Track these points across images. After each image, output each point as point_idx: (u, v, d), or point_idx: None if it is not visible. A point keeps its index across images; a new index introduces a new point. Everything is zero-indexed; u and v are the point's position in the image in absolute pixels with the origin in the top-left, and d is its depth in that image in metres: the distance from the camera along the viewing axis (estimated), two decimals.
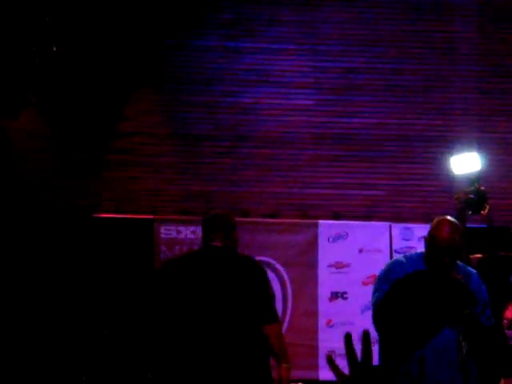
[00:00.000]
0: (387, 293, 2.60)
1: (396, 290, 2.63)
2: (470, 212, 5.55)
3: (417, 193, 9.40)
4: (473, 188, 5.64)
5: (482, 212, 5.52)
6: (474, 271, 4.95)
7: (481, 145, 8.24)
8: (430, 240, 4.87)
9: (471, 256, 5.88)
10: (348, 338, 2.27)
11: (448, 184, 9.33)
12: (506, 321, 5.04)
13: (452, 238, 4.82)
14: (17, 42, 6.15)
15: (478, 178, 5.64)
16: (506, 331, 5.01)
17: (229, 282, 5.09)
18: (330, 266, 9.12)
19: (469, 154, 5.97)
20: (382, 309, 2.55)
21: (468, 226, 9.07)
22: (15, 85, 6.43)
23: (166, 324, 5.13)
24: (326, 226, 9.22)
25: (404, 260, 4.98)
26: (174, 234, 9.13)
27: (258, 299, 5.12)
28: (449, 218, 4.99)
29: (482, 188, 5.62)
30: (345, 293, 8.95)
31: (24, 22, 6.13)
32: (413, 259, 4.93)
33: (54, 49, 7.23)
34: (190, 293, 5.06)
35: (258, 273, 5.21)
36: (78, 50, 9.15)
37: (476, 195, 5.56)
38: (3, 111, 6.85)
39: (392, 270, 4.86)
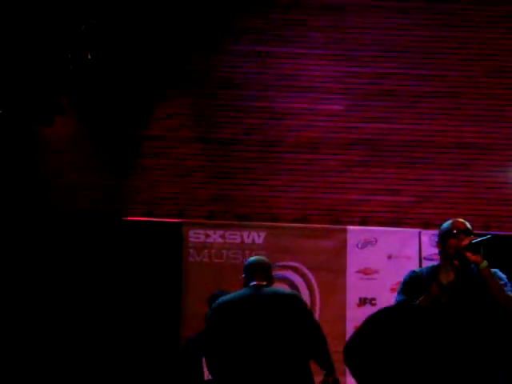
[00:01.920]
0: (359, 329, 2.40)
1: (370, 327, 2.39)
2: None
3: (447, 199, 9.34)
4: None
5: None
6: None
7: None
8: (441, 236, 4.97)
9: None
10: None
11: (478, 190, 9.30)
12: None
13: (461, 221, 4.95)
14: (52, 50, 6.21)
15: None
16: None
17: (278, 317, 5.81)
18: (359, 271, 9.09)
19: None
20: (353, 348, 2.40)
21: (497, 233, 9.06)
22: (49, 92, 6.48)
23: (223, 356, 5.78)
24: (355, 232, 9.19)
25: (418, 271, 5.10)
26: (202, 238, 9.14)
27: (309, 331, 5.91)
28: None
29: None
30: (373, 299, 8.91)
31: (59, 30, 6.19)
32: (428, 269, 5.04)
33: (89, 56, 7.29)
34: (246, 331, 5.77)
35: (303, 306, 5.98)
36: (111, 57, 9.21)
37: None
38: (38, 118, 6.91)
39: (407, 281, 4.98)
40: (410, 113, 9.49)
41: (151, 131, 9.44)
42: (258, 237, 9.15)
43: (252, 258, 6.40)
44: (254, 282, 5.98)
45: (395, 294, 5.07)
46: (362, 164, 9.45)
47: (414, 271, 5.14)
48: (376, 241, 9.17)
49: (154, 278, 9.01)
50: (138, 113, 9.42)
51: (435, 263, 5.13)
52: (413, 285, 4.94)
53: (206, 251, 9.12)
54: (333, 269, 9.10)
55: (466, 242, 4.83)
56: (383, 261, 9.10)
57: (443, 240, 4.97)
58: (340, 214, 9.36)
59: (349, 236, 9.18)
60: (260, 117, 9.51)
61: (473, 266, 4.91)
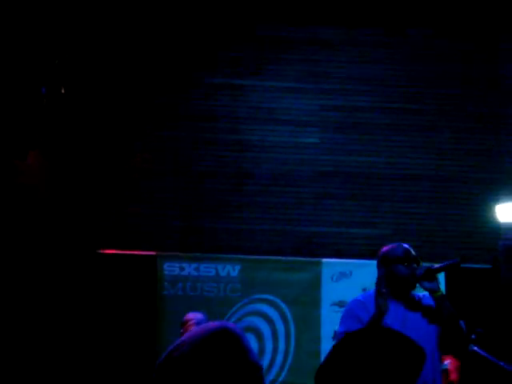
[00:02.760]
0: (328, 356, 2.43)
1: (338, 353, 2.43)
2: None
3: (421, 232, 9.38)
4: None
5: None
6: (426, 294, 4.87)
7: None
8: (387, 261, 4.84)
9: None
10: None
11: (452, 223, 9.35)
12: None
13: (407, 247, 4.82)
14: (26, 84, 6.21)
15: None
16: None
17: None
18: (334, 304, 9.08)
19: None
20: (323, 374, 2.41)
21: (473, 266, 9.10)
22: (23, 126, 6.49)
23: None
24: (330, 265, 9.19)
25: (361, 298, 4.95)
26: (177, 271, 9.11)
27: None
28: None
29: None
30: None
31: (33, 65, 6.19)
32: (371, 296, 4.87)
33: (63, 90, 7.29)
34: None
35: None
36: (85, 91, 9.20)
37: None
38: (11, 152, 6.90)
39: (353, 309, 4.85)
40: (384, 146, 9.54)
41: (125, 164, 9.42)
42: (232, 269, 9.13)
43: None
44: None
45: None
46: (337, 196, 9.47)
47: (356, 299, 4.98)
48: (351, 273, 9.17)
49: (128, 311, 8.95)
50: (113, 146, 9.41)
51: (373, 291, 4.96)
52: (358, 312, 4.81)
53: (180, 284, 9.09)
54: (308, 302, 9.09)
55: (420, 270, 4.73)
56: (358, 293, 9.07)
57: (390, 265, 4.81)
58: (315, 246, 9.36)
59: (323, 268, 9.18)
60: (234, 149, 9.53)
61: (419, 294, 4.85)
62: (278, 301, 9.11)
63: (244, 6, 9.53)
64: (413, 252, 4.86)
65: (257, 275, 9.10)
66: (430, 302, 4.79)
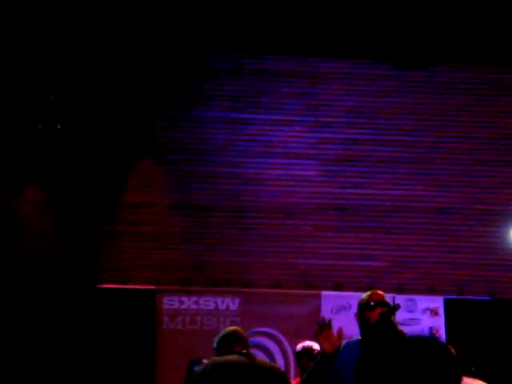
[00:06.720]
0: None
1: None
2: None
3: (420, 264, 9.37)
4: None
5: None
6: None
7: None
8: (360, 307, 4.91)
9: None
10: None
11: (451, 255, 9.34)
12: None
13: (379, 294, 4.84)
14: (22, 121, 6.25)
15: None
16: None
17: None
18: None
19: None
20: None
21: (472, 298, 9.10)
22: (19, 162, 6.53)
23: None
24: (329, 297, 9.18)
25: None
26: (176, 305, 9.10)
27: None
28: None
29: None
30: None
31: (29, 101, 6.23)
32: (350, 345, 4.90)
33: (59, 126, 7.33)
34: None
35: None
36: (81, 125, 9.23)
37: None
38: (7, 188, 6.93)
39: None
40: (383, 178, 9.55)
41: (124, 198, 9.43)
42: (232, 303, 9.12)
43: (230, 328, 6.22)
44: (240, 351, 5.79)
45: None
46: (336, 229, 9.48)
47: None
48: (350, 306, 9.15)
49: (127, 346, 8.93)
50: (110, 180, 9.42)
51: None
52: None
53: (179, 318, 9.07)
54: (308, 335, 9.04)
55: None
56: (358, 326, 9.05)
57: (361, 312, 4.90)
58: (314, 279, 9.35)
59: (323, 301, 9.17)
60: (234, 183, 9.54)
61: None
62: (278, 334, 9.09)
63: (242, 40, 9.58)
64: (383, 297, 4.90)
65: (256, 308, 9.09)
66: None
